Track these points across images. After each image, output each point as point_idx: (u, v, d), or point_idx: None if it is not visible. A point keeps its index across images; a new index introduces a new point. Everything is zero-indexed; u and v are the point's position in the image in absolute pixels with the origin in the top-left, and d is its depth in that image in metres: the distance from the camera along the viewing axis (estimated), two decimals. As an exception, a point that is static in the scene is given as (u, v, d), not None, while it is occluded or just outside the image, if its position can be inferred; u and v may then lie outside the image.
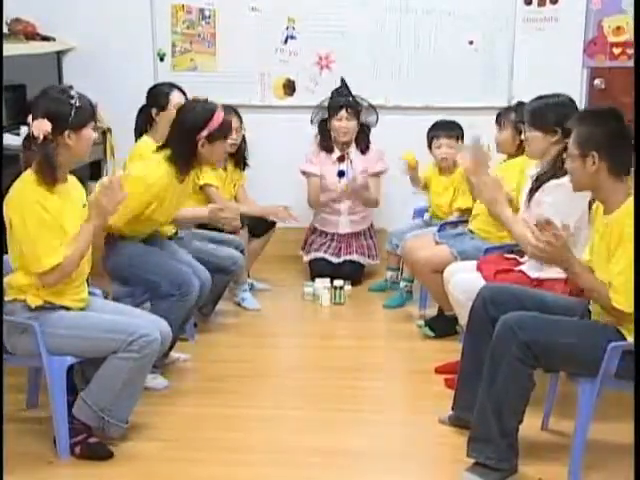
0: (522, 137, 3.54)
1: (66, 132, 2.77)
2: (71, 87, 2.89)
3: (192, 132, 3.41)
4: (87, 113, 2.83)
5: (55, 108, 2.77)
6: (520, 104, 4.06)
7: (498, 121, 4.10)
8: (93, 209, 2.86)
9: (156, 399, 3.35)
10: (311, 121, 4.98)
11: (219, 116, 3.46)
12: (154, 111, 4.06)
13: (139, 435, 3.06)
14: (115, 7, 5.22)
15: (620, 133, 2.66)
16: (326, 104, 4.94)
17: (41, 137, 2.73)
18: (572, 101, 3.41)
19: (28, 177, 2.79)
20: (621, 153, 2.65)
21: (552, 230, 2.63)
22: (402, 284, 4.63)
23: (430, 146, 4.56)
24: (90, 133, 2.86)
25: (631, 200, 2.63)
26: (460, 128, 4.55)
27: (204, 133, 3.40)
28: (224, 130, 3.50)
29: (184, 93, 4.10)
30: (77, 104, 2.78)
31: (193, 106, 3.52)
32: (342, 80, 4.97)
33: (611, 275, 2.61)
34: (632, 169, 2.66)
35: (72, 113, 2.76)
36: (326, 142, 4.95)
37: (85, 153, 2.89)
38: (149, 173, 3.41)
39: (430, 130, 4.57)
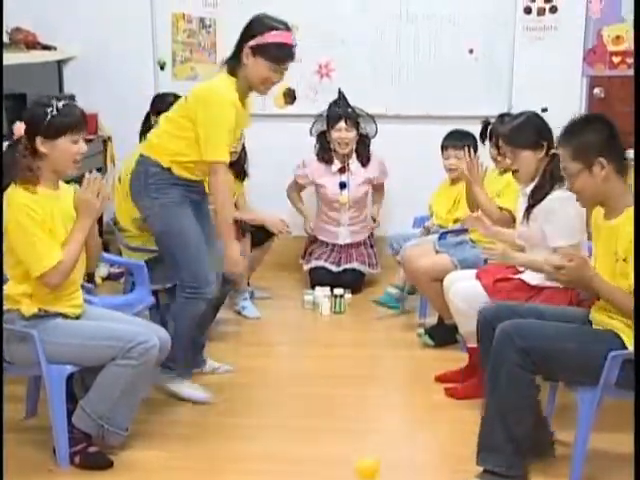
0: (507, 161, 3.52)
1: (38, 138, 2.77)
2: (73, 97, 2.90)
3: (242, 39, 3.22)
4: (64, 124, 2.77)
5: (31, 113, 2.80)
6: (508, 115, 4.03)
7: (494, 137, 3.97)
8: (80, 207, 2.85)
9: (156, 408, 3.35)
10: (310, 132, 4.99)
11: (278, 34, 3.19)
12: (154, 119, 4.08)
13: (139, 444, 3.06)
14: (116, 16, 5.23)
15: (611, 132, 2.66)
16: (324, 114, 4.95)
17: (14, 138, 2.78)
18: (537, 116, 3.43)
19: (15, 187, 2.79)
20: (620, 151, 2.65)
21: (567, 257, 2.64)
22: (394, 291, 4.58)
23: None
24: (68, 146, 2.79)
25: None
26: (472, 138, 4.52)
27: (251, 42, 3.18)
28: (277, 53, 3.19)
29: None
30: (53, 113, 2.76)
31: (261, 17, 3.27)
32: (339, 92, 4.97)
33: (618, 284, 2.58)
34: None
35: (45, 120, 2.76)
36: (325, 154, 4.96)
37: (65, 166, 2.83)
38: (222, 91, 3.21)
39: (442, 140, 4.58)
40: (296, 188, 5.13)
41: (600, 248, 2.73)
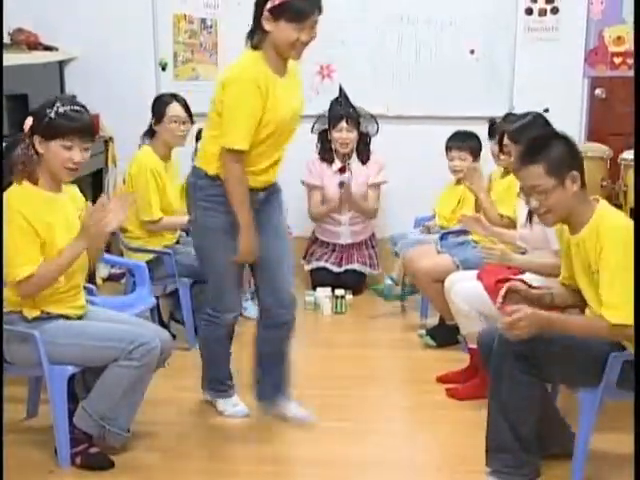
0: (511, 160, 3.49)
1: (36, 137, 2.78)
2: (74, 97, 2.90)
3: (258, 3, 2.92)
4: (59, 128, 2.75)
5: (37, 110, 2.81)
6: (513, 115, 4.03)
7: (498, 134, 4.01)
8: (81, 229, 2.83)
9: (156, 409, 3.34)
10: (311, 130, 4.98)
11: None
12: (153, 121, 4.08)
13: (140, 445, 3.06)
14: (117, 17, 5.23)
15: (573, 146, 2.65)
16: (326, 114, 4.95)
17: (23, 133, 2.80)
18: (542, 117, 3.42)
19: (15, 188, 2.79)
20: (582, 164, 2.64)
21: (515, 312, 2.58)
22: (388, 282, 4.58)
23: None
24: (59, 150, 2.76)
25: (598, 215, 2.60)
26: (476, 139, 4.52)
27: (269, 4, 2.86)
28: (298, 9, 2.85)
29: (186, 104, 4.11)
30: (52, 115, 2.75)
31: None
32: (340, 89, 4.96)
33: (599, 297, 2.57)
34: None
35: (44, 121, 2.76)
36: (326, 153, 4.95)
37: (57, 170, 2.80)
38: (242, 69, 2.94)
39: (446, 141, 4.57)
40: (315, 204, 4.99)
41: (573, 259, 2.71)
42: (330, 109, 4.92)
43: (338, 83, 5.12)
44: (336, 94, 5.00)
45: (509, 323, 2.56)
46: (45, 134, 2.76)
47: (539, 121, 3.39)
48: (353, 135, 4.87)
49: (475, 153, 4.50)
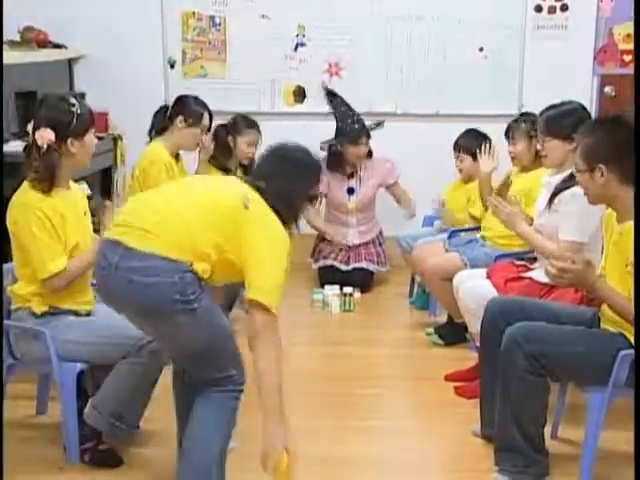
0: (538, 147, 3.46)
1: (69, 140, 2.80)
2: (83, 95, 2.92)
3: None
4: (88, 119, 2.86)
5: (57, 116, 2.80)
6: (526, 114, 4.03)
7: (510, 134, 3.98)
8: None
9: (165, 405, 3.35)
10: (320, 147, 4.88)
11: None
12: (179, 119, 4.03)
13: (149, 442, 3.07)
14: (126, 15, 5.24)
15: (627, 140, 2.57)
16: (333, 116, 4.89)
17: (45, 146, 2.77)
18: (584, 108, 3.40)
19: (28, 185, 2.82)
20: (630, 161, 2.56)
21: (570, 259, 2.56)
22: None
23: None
24: (92, 139, 2.90)
25: None
26: (482, 139, 4.49)
27: None
28: None
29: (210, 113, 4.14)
30: (78, 111, 2.81)
31: None
32: (343, 101, 4.87)
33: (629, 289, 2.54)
34: None
35: (74, 120, 2.79)
36: (336, 164, 4.90)
37: (87, 160, 2.92)
38: None
39: (455, 140, 4.57)
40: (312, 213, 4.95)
41: (612, 250, 2.70)
42: (348, 126, 4.83)
43: (347, 81, 5.11)
44: (344, 92, 4.95)
45: (559, 269, 2.52)
46: (79, 132, 2.81)
47: (577, 114, 3.33)
48: (368, 147, 4.87)
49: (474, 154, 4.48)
